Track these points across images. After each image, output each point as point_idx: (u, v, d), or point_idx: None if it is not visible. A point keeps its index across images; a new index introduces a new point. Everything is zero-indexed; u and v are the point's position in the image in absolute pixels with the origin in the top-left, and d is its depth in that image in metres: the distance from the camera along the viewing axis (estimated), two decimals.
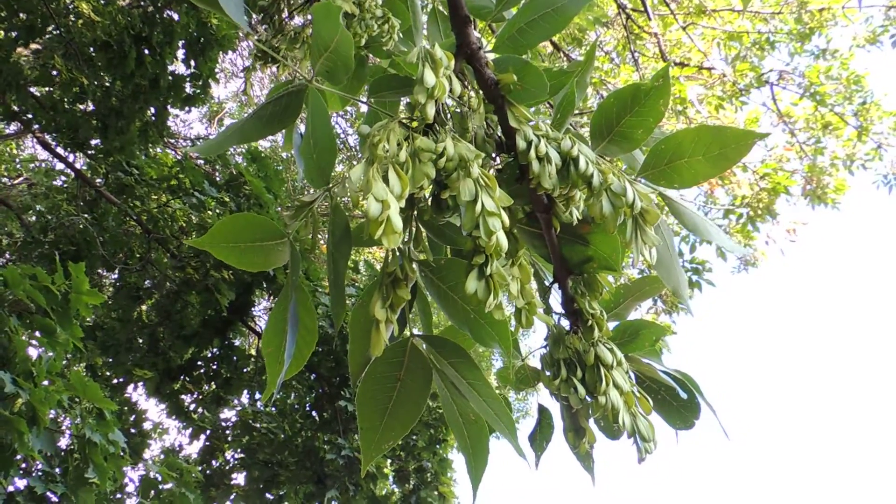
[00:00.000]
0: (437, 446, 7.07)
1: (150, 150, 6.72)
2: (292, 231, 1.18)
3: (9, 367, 3.48)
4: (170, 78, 5.75)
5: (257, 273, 6.46)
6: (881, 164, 9.01)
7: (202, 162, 7.54)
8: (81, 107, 5.96)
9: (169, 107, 6.04)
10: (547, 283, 1.34)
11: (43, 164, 9.90)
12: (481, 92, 1.26)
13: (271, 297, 7.41)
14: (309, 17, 2.04)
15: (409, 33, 1.89)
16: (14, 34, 5.33)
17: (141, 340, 6.81)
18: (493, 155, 1.24)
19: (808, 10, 8.72)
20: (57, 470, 3.81)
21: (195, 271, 6.43)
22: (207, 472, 6.93)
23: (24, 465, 3.87)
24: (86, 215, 6.52)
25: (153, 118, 6.02)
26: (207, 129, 13.70)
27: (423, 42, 1.60)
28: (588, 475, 1.34)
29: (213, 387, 7.08)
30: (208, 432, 7.23)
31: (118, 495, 5.60)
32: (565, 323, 1.27)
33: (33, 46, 5.77)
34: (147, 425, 7.14)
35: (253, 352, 7.71)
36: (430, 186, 1.14)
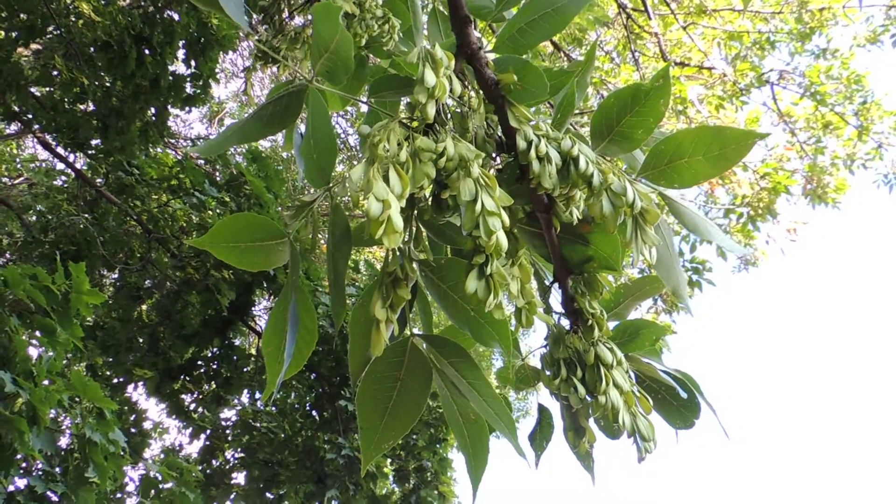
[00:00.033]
0: (438, 446, 7.07)
1: (151, 150, 6.72)
2: (292, 231, 1.18)
3: (9, 367, 3.49)
4: (170, 78, 5.76)
5: (257, 273, 6.46)
6: (881, 164, 9.02)
7: (202, 162, 7.54)
8: (82, 107, 5.97)
9: (169, 107, 6.04)
10: (547, 283, 1.34)
11: (43, 164, 9.91)
12: (481, 92, 1.26)
13: (271, 297, 7.41)
14: (309, 17, 2.04)
15: (409, 33, 1.89)
16: (14, 34, 5.34)
17: (141, 340, 6.82)
18: (494, 155, 1.24)
19: (808, 10, 8.72)
20: (57, 469, 3.82)
21: (195, 271, 6.43)
22: (207, 471, 6.94)
23: (24, 465, 3.88)
24: (86, 215, 6.52)
25: (153, 118, 6.02)
26: (208, 129, 13.71)
27: (424, 42, 1.61)
28: (588, 475, 1.34)
29: (214, 386, 7.08)
30: (208, 432, 7.23)
31: (118, 495, 5.60)
32: (565, 322, 1.27)
33: (34, 46, 5.78)
34: (147, 425, 7.14)
35: (253, 351, 7.72)
36: (431, 186, 1.14)
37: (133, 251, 6.83)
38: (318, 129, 1.16)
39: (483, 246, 1.00)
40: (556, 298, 1.31)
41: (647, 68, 8.63)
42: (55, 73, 5.66)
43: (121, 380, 6.98)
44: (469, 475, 1.23)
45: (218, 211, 6.68)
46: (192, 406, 7.15)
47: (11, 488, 3.74)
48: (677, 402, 1.32)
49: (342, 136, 11.81)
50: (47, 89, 5.93)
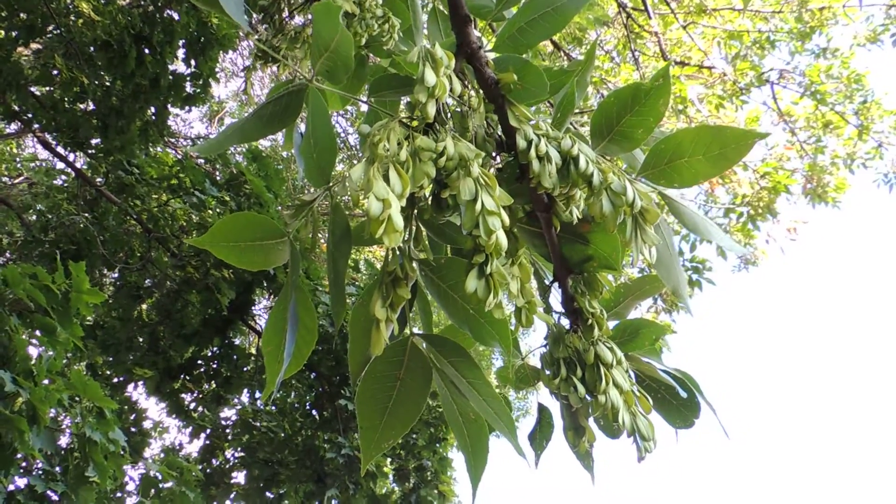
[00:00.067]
0: (437, 445, 7.07)
1: (151, 149, 6.72)
2: (292, 230, 1.18)
3: (9, 366, 3.49)
4: (170, 77, 5.76)
5: (257, 272, 6.46)
6: (882, 163, 9.02)
7: (202, 161, 7.54)
8: (82, 106, 5.97)
9: (169, 106, 6.04)
10: (547, 282, 1.34)
11: (43, 164, 9.91)
12: (481, 91, 1.26)
13: (271, 296, 7.42)
14: (309, 16, 2.04)
15: (409, 33, 1.89)
16: (14, 34, 5.33)
17: (141, 339, 6.82)
18: (494, 154, 1.24)
19: (808, 9, 8.72)
20: (57, 468, 3.82)
21: (195, 270, 6.43)
22: (207, 470, 6.94)
23: (24, 464, 3.88)
24: (86, 214, 6.53)
25: (153, 117, 6.02)
26: (208, 128, 13.71)
27: (424, 41, 1.61)
28: (588, 474, 1.34)
29: (214, 385, 7.08)
30: (208, 431, 7.23)
31: (118, 494, 5.61)
32: (565, 322, 1.27)
33: (34, 46, 5.78)
34: (147, 424, 7.15)
35: (253, 351, 7.72)
36: (431, 185, 1.14)
37: (133, 250, 6.83)
38: (318, 129, 1.16)
39: (483, 245, 1.00)
40: (555, 298, 1.31)
41: (647, 67, 8.63)
42: (55, 72, 5.66)
43: (121, 379, 6.98)
44: (469, 474, 1.23)
45: (218, 210, 6.68)
46: (192, 405, 7.16)
47: (11, 487, 3.74)
48: (677, 401, 1.32)
49: (342, 135, 11.81)
50: (47, 88, 5.93)
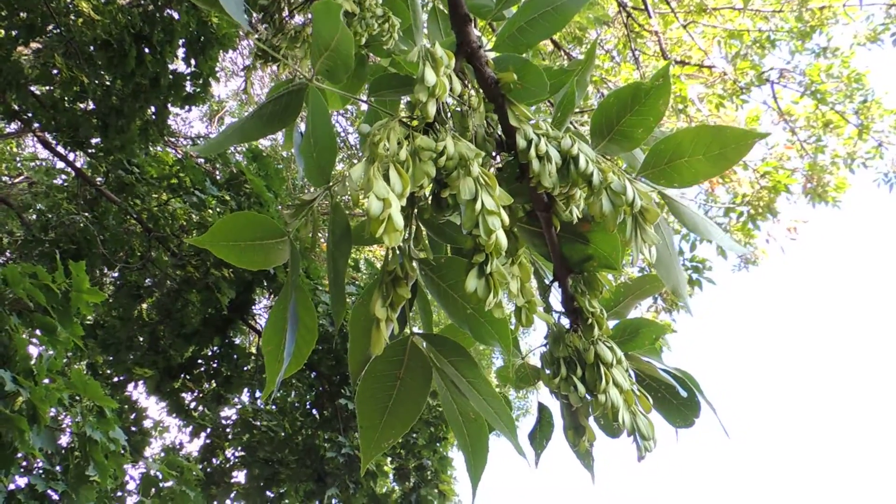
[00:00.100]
0: (438, 444, 7.08)
1: (151, 148, 6.72)
2: (292, 230, 1.18)
3: (9, 366, 3.49)
4: (170, 77, 5.76)
5: (258, 271, 6.46)
6: (882, 163, 9.02)
7: (203, 160, 7.55)
8: (82, 105, 5.97)
9: (169, 105, 6.04)
10: (547, 282, 1.34)
11: (43, 163, 9.91)
12: (481, 91, 1.26)
13: (272, 296, 7.42)
14: (309, 15, 2.04)
15: (409, 32, 1.89)
16: (14, 33, 5.33)
17: (141, 339, 6.82)
18: (494, 153, 1.24)
19: (808, 9, 8.71)
20: (58, 468, 3.82)
21: (196, 270, 6.43)
22: (208, 470, 6.94)
23: (24, 463, 3.88)
24: (86, 214, 6.53)
25: (153, 117, 6.02)
26: (208, 127, 13.71)
27: (424, 41, 1.61)
28: (588, 473, 1.34)
29: (214, 385, 7.09)
30: (209, 430, 7.24)
31: (119, 493, 5.61)
32: (565, 321, 1.27)
33: (34, 45, 5.78)
34: (147, 423, 7.15)
35: (253, 350, 7.72)
36: (431, 185, 1.14)
37: (133, 250, 6.83)
38: (318, 128, 1.16)
39: (483, 245, 1.00)
40: (555, 297, 1.31)
41: (648, 67, 8.62)
42: (55, 71, 5.66)
43: (121, 378, 6.98)
44: (469, 474, 1.23)
45: (218, 210, 6.69)
46: (193, 404, 7.16)
47: (12, 487, 3.75)
48: (677, 400, 1.32)
49: (342, 134, 11.81)
50: (47, 88, 5.93)
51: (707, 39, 8.78)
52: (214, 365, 7.10)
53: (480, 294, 1.01)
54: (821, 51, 8.90)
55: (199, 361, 7.08)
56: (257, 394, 7.36)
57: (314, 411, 7.07)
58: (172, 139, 10.63)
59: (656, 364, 1.34)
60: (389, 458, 7.00)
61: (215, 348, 7.03)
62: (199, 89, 6.03)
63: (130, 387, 7.16)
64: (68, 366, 5.85)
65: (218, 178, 7.14)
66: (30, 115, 5.99)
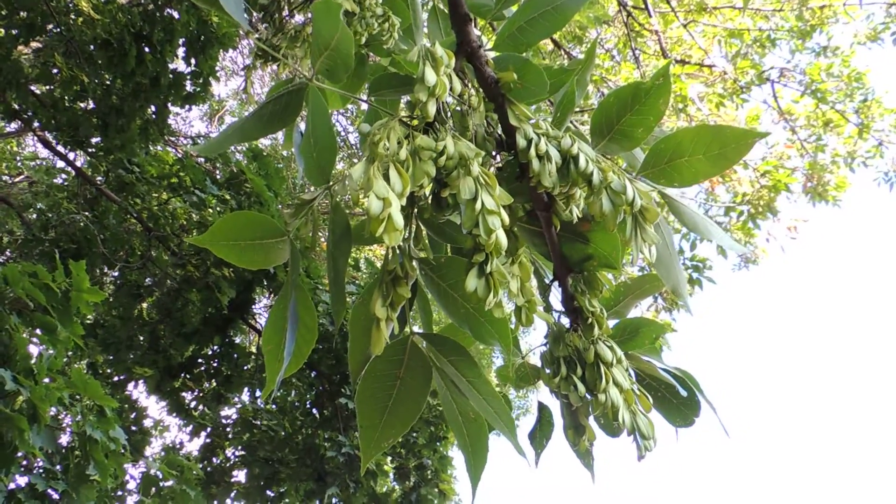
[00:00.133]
0: (438, 444, 7.08)
1: (151, 147, 6.72)
2: (292, 229, 1.18)
3: (9, 365, 3.49)
4: (170, 76, 5.76)
5: (258, 271, 6.46)
6: (882, 162, 9.02)
7: (203, 160, 7.55)
8: (82, 105, 5.97)
9: (169, 105, 6.04)
10: (547, 281, 1.34)
11: (43, 163, 9.91)
12: (481, 90, 1.26)
13: (272, 295, 7.42)
14: (309, 15, 2.04)
15: (409, 31, 1.88)
16: (14, 32, 5.33)
17: (142, 338, 6.83)
18: (494, 153, 1.24)
19: (809, 8, 8.71)
20: (58, 467, 3.82)
21: (196, 269, 6.44)
22: (208, 469, 6.95)
23: (25, 463, 3.88)
24: (86, 213, 6.53)
25: (154, 116, 6.02)
26: (208, 126, 13.71)
27: (424, 40, 1.61)
28: (588, 473, 1.34)
29: (214, 384, 7.09)
30: (209, 430, 7.24)
31: (119, 492, 5.62)
32: (565, 321, 1.27)
33: (34, 44, 5.78)
34: (148, 423, 7.16)
35: (253, 349, 7.72)
36: (431, 184, 1.14)
37: (133, 249, 6.84)
38: (318, 128, 1.16)
39: (483, 244, 1.00)
40: (555, 297, 1.31)
41: (648, 66, 8.62)
42: (55, 71, 5.66)
43: (121, 378, 6.99)
44: (469, 473, 1.23)
45: (218, 209, 6.69)
46: (193, 404, 7.16)
47: (12, 486, 3.75)
48: (677, 400, 1.32)
49: (342, 134, 11.80)
50: (47, 87, 5.93)
51: (707, 38, 8.77)
52: (214, 364, 7.11)
53: (480, 293, 1.01)
54: (821, 50, 8.90)
55: (200, 361, 7.09)
56: (257, 393, 7.36)
57: (314, 410, 7.07)
58: (173, 138, 10.62)
59: (656, 363, 1.34)
60: (389, 458, 7.00)
61: (215, 347, 7.04)
62: (199, 88, 6.03)
63: (131, 386, 7.16)
64: (68, 365, 5.85)
65: (218, 177, 7.14)
66: (30, 114, 5.99)
